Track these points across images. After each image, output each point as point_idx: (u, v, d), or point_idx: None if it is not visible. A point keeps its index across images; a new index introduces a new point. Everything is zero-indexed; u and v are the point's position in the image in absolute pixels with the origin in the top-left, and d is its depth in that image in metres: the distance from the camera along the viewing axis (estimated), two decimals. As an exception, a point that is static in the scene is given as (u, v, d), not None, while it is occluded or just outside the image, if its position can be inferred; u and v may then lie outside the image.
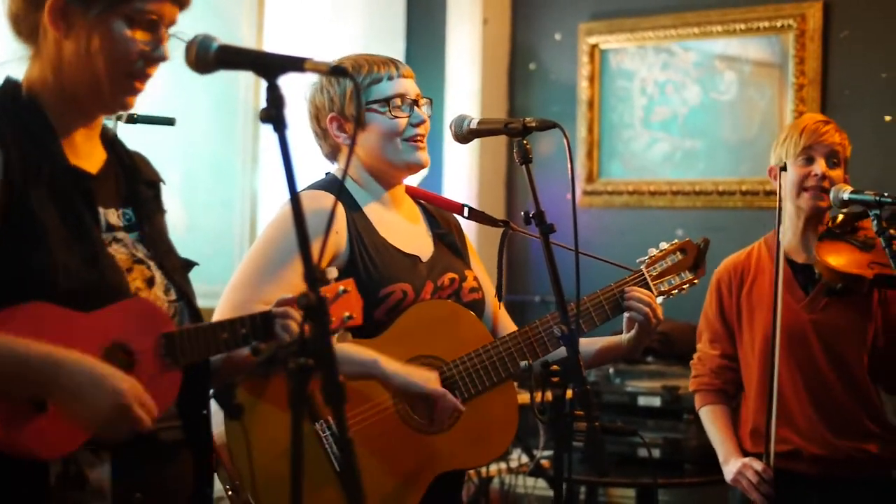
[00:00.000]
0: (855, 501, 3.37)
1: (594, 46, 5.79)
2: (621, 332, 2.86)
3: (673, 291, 2.89)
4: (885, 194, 3.17)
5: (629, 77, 5.74)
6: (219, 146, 5.04)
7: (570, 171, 2.48)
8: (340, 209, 2.67)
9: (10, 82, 2.10)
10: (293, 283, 2.52)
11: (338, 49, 5.07)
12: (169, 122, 3.33)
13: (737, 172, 5.44)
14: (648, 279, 2.86)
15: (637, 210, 5.72)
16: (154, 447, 2.06)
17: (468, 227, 3.10)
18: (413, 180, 2.98)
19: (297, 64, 1.84)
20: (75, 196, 2.04)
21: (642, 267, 2.87)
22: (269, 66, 1.83)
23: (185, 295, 2.17)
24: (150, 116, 3.24)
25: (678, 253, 2.90)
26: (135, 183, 2.20)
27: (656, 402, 4.66)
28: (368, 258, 2.67)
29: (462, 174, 5.83)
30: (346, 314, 2.32)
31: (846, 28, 5.22)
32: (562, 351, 2.46)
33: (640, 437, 3.30)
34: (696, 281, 2.91)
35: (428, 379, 2.62)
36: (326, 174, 2.83)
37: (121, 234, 2.12)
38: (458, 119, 2.77)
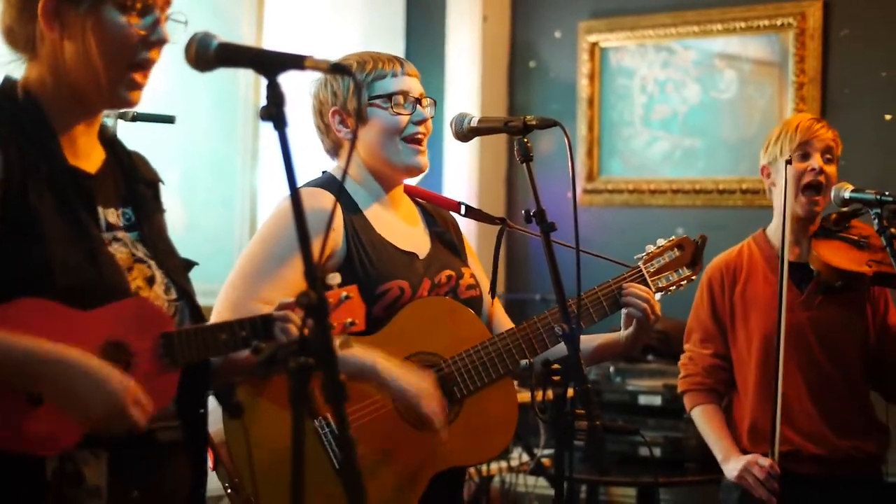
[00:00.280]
0: (853, 500, 3.38)
1: (594, 44, 5.79)
2: (619, 329, 2.86)
3: (671, 288, 2.89)
4: (886, 193, 3.18)
5: (629, 75, 5.74)
6: (219, 144, 5.04)
7: (570, 170, 2.47)
8: (337, 206, 2.66)
9: (8, 82, 2.09)
10: (291, 281, 2.52)
11: (337, 47, 5.08)
12: (169, 120, 3.32)
13: (737, 171, 5.44)
14: (646, 275, 2.86)
15: (637, 208, 5.72)
16: (151, 446, 2.06)
17: (466, 226, 3.10)
18: (412, 179, 2.97)
19: (297, 61, 1.83)
20: (74, 195, 2.03)
21: (640, 263, 2.88)
22: (270, 63, 1.83)
23: (186, 294, 2.16)
24: (150, 115, 3.24)
25: (675, 249, 2.90)
26: (134, 182, 2.20)
27: (657, 400, 4.66)
28: (365, 255, 2.67)
29: (462, 173, 5.82)
30: (349, 320, 2.31)
31: (846, 26, 5.22)
32: (561, 348, 2.46)
33: (642, 435, 3.30)
34: (693, 277, 2.91)
35: (421, 383, 2.61)
36: (323, 172, 2.83)
37: (121, 234, 2.11)
38: (459, 117, 2.76)
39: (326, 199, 2.64)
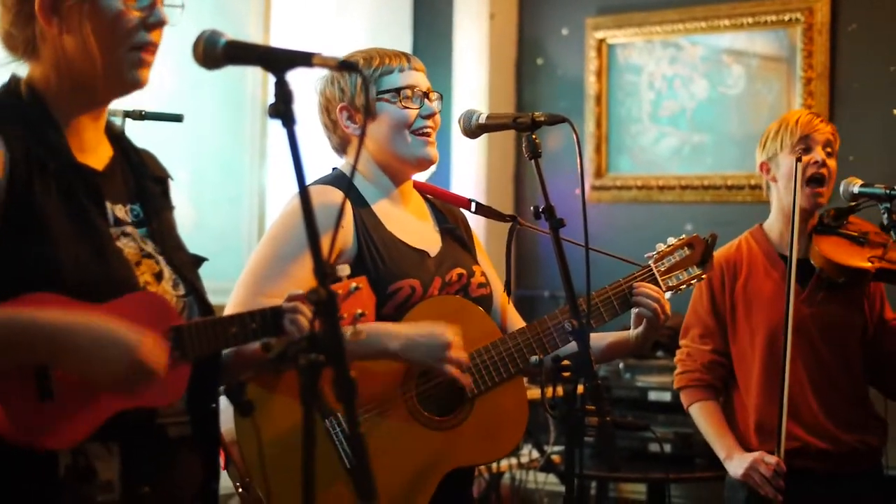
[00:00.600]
0: (857, 495, 3.38)
1: (601, 41, 5.79)
2: (629, 328, 2.86)
3: (681, 287, 2.89)
4: (895, 188, 3.17)
5: (637, 71, 5.74)
6: (227, 142, 5.05)
7: (579, 166, 2.47)
8: (348, 204, 2.66)
9: (13, 80, 2.09)
10: (301, 278, 2.51)
11: (344, 44, 5.08)
12: (177, 118, 3.32)
13: (745, 167, 5.43)
14: (657, 274, 2.85)
15: (646, 205, 5.71)
16: (162, 441, 2.06)
17: (476, 223, 3.10)
18: (421, 175, 2.97)
19: (305, 59, 1.83)
20: (82, 191, 2.03)
21: (650, 262, 2.87)
22: (277, 61, 1.83)
23: (194, 289, 2.16)
24: (158, 113, 3.24)
25: (686, 248, 2.90)
26: (142, 179, 2.20)
27: (667, 396, 4.66)
28: (377, 253, 2.66)
29: (470, 169, 5.82)
30: (359, 311, 2.31)
31: (854, 21, 5.21)
32: (572, 346, 2.45)
33: (652, 431, 3.28)
34: (703, 276, 2.90)
35: (433, 341, 2.58)
36: (333, 169, 2.82)
37: (129, 229, 2.11)
38: (467, 114, 2.76)
39: (336, 195, 2.63)
